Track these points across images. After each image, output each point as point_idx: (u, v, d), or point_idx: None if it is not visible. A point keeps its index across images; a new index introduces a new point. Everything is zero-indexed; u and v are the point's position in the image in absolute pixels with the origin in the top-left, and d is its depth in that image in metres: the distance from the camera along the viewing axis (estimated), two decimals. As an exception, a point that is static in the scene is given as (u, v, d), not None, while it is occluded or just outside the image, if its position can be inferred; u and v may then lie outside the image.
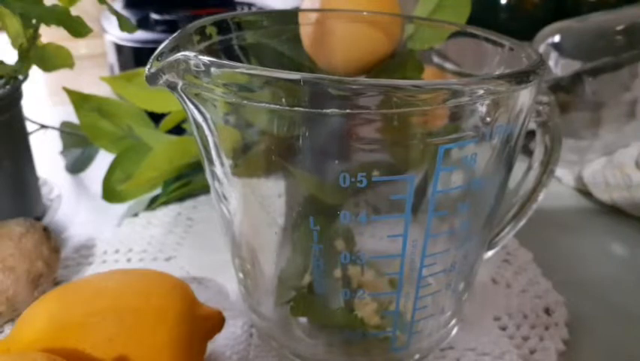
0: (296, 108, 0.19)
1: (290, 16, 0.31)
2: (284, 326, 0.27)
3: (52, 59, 0.35)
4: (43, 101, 0.69)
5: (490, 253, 0.30)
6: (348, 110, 0.19)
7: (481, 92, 0.19)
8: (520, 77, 0.20)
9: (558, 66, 0.45)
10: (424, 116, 0.20)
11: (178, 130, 0.41)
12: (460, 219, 0.23)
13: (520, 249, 0.35)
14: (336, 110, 0.19)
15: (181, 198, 0.41)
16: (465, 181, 0.22)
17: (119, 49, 0.59)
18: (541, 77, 0.21)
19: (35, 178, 0.38)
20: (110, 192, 0.39)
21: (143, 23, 0.59)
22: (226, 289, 0.32)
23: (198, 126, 0.22)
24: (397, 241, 0.22)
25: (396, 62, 0.31)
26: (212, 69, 0.19)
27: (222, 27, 0.26)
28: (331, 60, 0.31)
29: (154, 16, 0.59)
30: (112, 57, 0.61)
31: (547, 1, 0.56)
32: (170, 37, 0.22)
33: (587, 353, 0.28)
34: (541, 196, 0.29)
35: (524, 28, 0.50)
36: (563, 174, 0.45)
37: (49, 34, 0.35)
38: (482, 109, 0.20)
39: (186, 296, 0.25)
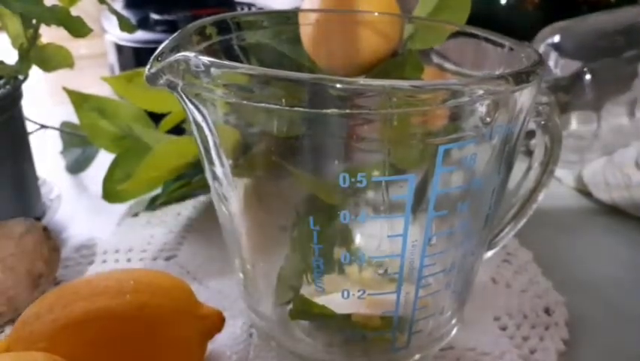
0: (296, 108, 0.19)
1: (290, 16, 0.31)
2: (284, 325, 0.27)
3: (53, 59, 0.35)
4: (43, 101, 0.69)
5: (490, 253, 0.30)
6: (348, 110, 0.19)
7: (480, 92, 0.19)
8: (520, 77, 0.20)
9: (558, 66, 0.45)
10: (423, 116, 0.20)
11: (178, 130, 0.41)
12: (459, 219, 0.23)
13: (520, 249, 0.35)
14: (336, 110, 0.19)
15: (181, 198, 0.41)
16: (465, 181, 0.22)
17: (119, 49, 0.59)
18: (541, 77, 0.22)
19: (35, 178, 0.38)
20: (110, 192, 0.39)
21: (143, 23, 0.58)
22: (226, 289, 0.32)
23: (198, 126, 0.22)
24: (397, 241, 0.22)
25: (397, 62, 0.31)
26: (212, 69, 0.19)
27: (222, 27, 0.26)
28: (331, 60, 0.31)
29: (154, 16, 0.59)
30: (112, 57, 0.61)
31: (547, 1, 0.56)
32: (170, 38, 0.22)
33: (587, 353, 0.28)
34: (541, 196, 0.29)
35: (524, 28, 0.50)
36: (563, 174, 0.45)
37: (50, 34, 0.35)
38: (482, 109, 0.20)
39: (186, 296, 0.25)
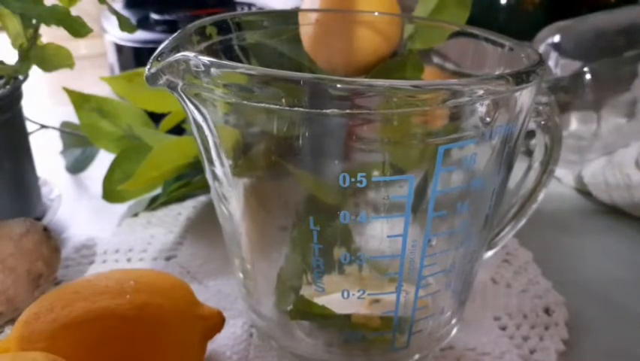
0: (296, 108, 0.19)
1: (290, 16, 0.31)
2: (284, 326, 0.27)
3: (52, 59, 0.35)
4: (43, 101, 0.69)
5: (490, 253, 0.30)
6: (348, 110, 0.19)
7: (481, 92, 0.19)
8: (520, 77, 0.20)
9: (558, 66, 0.45)
10: (423, 116, 0.20)
11: (178, 130, 0.41)
12: (459, 219, 0.23)
13: (520, 249, 0.35)
14: (336, 110, 0.19)
15: (181, 198, 0.41)
16: (465, 181, 0.22)
17: (119, 49, 0.59)
18: (541, 77, 0.22)
19: (35, 178, 0.38)
20: (110, 192, 0.39)
21: (143, 23, 0.59)
22: (226, 289, 0.32)
23: (198, 126, 0.22)
24: (397, 241, 0.22)
25: (396, 62, 0.31)
26: (212, 69, 0.19)
27: (222, 27, 0.26)
28: (331, 60, 0.31)
29: (154, 16, 0.59)
30: (112, 57, 0.61)
31: (547, 1, 0.56)
32: (170, 38, 0.22)
33: (587, 353, 0.28)
34: (541, 196, 0.29)
35: (524, 28, 0.50)
36: (563, 174, 0.45)
37: (49, 34, 0.35)
38: (482, 109, 0.20)
39: (186, 296, 0.25)
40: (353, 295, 0.24)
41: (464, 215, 0.23)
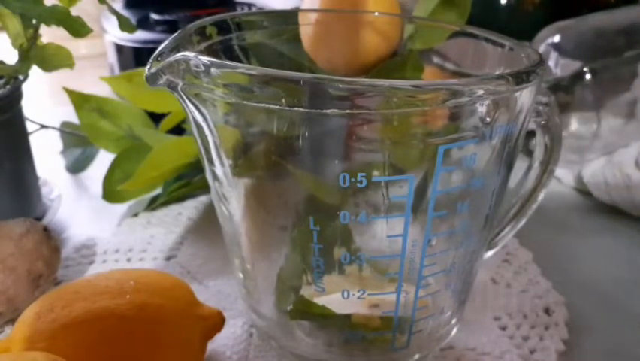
0: (296, 108, 0.19)
1: (290, 16, 0.31)
2: (284, 326, 0.27)
3: (52, 59, 0.35)
4: (43, 101, 0.69)
5: (490, 253, 0.30)
6: (348, 110, 0.19)
7: (481, 92, 0.19)
8: (520, 77, 0.20)
9: (558, 66, 0.45)
10: (423, 116, 0.20)
11: (178, 130, 0.41)
12: (459, 219, 0.23)
13: (520, 249, 0.35)
14: (336, 110, 0.19)
15: (181, 198, 0.41)
16: (465, 181, 0.22)
17: (119, 49, 0.59)
18: (541, 77, 0.22)
19: (35, 178, 0.38)
20: (110, 192, 0.39)
21: (143, 23, 0.58)
22: (226, 289, 0.32)
23: (198, 126, 0.22)
24: (397, 241, 0.22)
25: (396, 62, 0.31)
26: (212, 69, 0.19)
27: (222, 27, 0.26)
28: (331, 60, 0.31)
29: (154, 16, 0.59)
30: (112, 57, 0.61)
31: (547, 1, 0.56)
32: (170, 38, 0.22)
33: (586, 353, 0.28)
34: (541, 196, 0.29)
35: (524, 28, 0.50)
36: (563, 174, 0.45)
37: (49, 34, 0.35)
38: (482, 109, 0.20)
39: (186, 296, 0.25)
40: (353, 295, 0.24)
41: (464, 215, 0.23)
